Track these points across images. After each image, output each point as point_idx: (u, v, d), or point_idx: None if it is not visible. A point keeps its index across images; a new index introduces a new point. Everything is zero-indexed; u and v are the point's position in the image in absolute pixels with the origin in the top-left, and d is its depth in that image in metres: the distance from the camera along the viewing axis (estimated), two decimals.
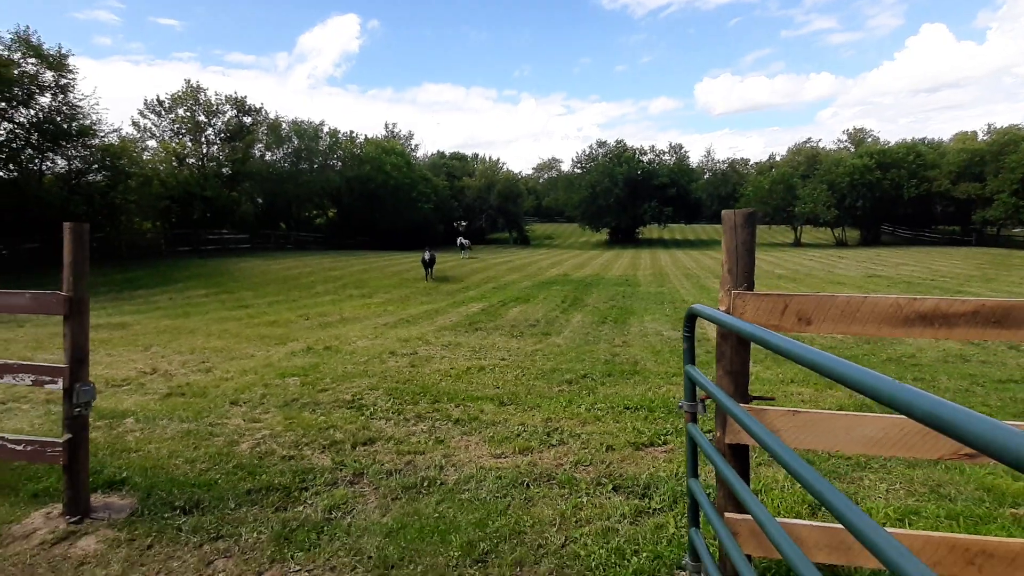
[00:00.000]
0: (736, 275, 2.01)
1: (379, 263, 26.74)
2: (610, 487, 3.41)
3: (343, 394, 5.55)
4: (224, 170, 37.94)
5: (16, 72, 23.16)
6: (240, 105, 39.66)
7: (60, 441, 2.97)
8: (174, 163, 36.03)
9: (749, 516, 1.87)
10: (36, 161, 25.56)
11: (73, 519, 2.96)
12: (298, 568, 2.64)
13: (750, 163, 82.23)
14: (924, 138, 60.32)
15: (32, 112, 24.73)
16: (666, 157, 62.83)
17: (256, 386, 5.77)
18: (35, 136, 24.69)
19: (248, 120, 40.26)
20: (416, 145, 69.28)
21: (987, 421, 0.70)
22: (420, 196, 49.52)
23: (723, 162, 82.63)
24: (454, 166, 67.82)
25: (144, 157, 33.27)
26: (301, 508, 3.22)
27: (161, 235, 30.40)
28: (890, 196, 48.04)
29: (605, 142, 62.03)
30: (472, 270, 23.83)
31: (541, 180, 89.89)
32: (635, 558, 2.59)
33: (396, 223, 46.87)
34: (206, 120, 38.12)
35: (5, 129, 24.25)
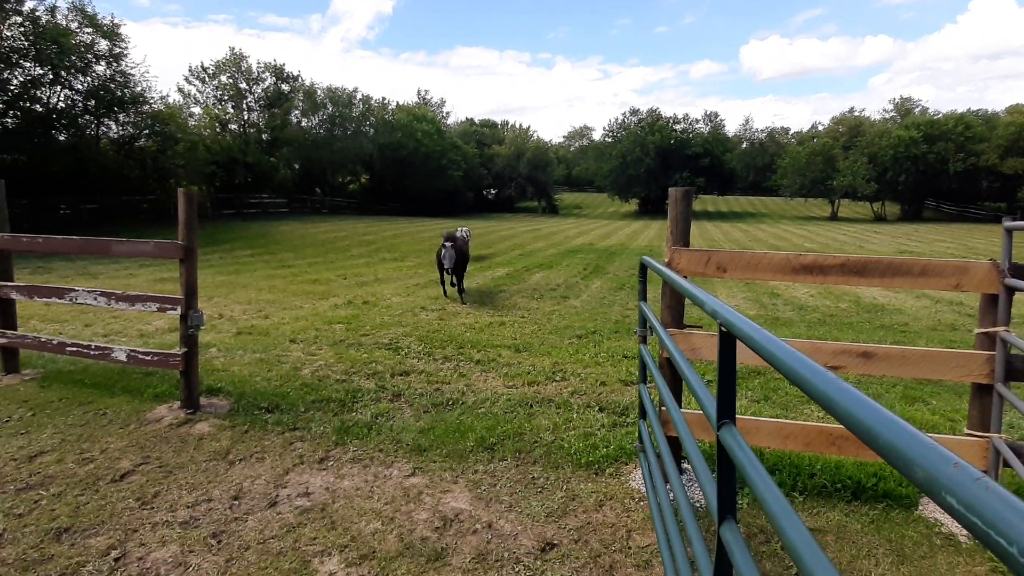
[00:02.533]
0: (676, 236, 2.76)
1: (410, 229, 27.75)
2: (596, 408, 4.26)
3: (382, 338, 6.50)
4: (264, 136, 39.29)
5: (74, 41, 24.53)
6: (279, 72, 40.65)
7: (179, 352, 3.97)
8: (217, 129, 37.52)
9: (675, 411, 2.66)
10: (93, 127, 27.20)
11: (189, 411, 3.98)
12: (355, 449, 3.58)
13: (790, 132, 79.33)
14: (978, 109, 57.00)
15: (89, 80, 26.23)
16: (700, 126, 61.40)
17: (309, 329, 6.79)
18: (92, 103, 26.23)
19: (286, 88, 41.29)
20: (447, 112, 69.50)
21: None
22: (450, 164, 50.13)
23: (762, 131, 79.90)
24: (484, 134, 67.82)
25: (190, 123, 34.75)
26: (354, 414, 4.17)
27: (207, 199, 32.03)
28: (935, 170, 46.15)
29: (638, 110, 60.96)
30: (499, 238, 24.60)
31: (572, 149, 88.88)
32: (604, 448, 3.44)
33: (426, 190, 47.80)
34: (247, 87, 39.31)
35: (65, 96, 25.88)
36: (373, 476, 3.23)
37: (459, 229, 11.16)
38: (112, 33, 26.04)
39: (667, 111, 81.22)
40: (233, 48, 39.17)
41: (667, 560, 2.08)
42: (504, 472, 3.27)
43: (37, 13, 24.38)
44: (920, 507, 2.88)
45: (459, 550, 2.52)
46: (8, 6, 23.44)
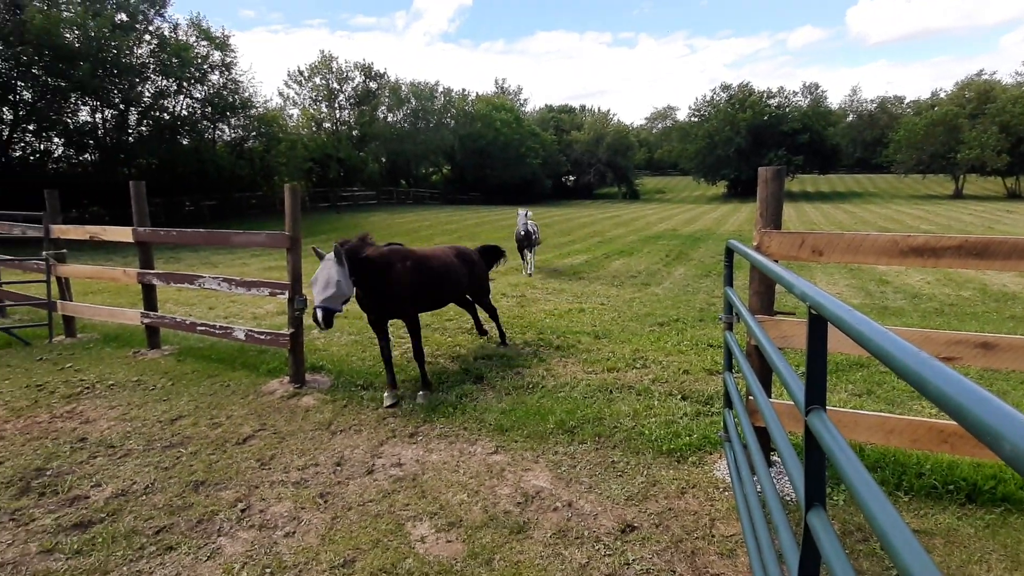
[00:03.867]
0: (766, 218, 2.64)
1: (491, 217, 28.26)
2: (679, 397, 4.18)
3: (464, 323, 6.75)
4: (354, 133, 41.61)
5: (193, 54, 27.32)
6: (367, 71, 42.74)
7: (287, 333, 4.40)
8: (313, 128, 40.27)
9: (762, 399, 2.57)
10: (210, 131, 30.23)
11: (296, 386, 4.42)
12: (442, 426, 3.80)
13: (905, 102, 70.85)
14: None
15: (205, 88, 29.14)
16: (799, 99, 56.68)
17: None
18: (208, 109, 29.14)
19: (373, 85, 43.34)
20: (525, 100, 69.50)
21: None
22: (528, 152, 50.24)
23: (871, 101, 72.06)
24: (562, 120, 67.11)
25: (289, 124, 37.58)
26: (440, 394, 4.40)
27: (305, 193, 34.57)
28: None
29: (729, 85, 57.31)
30: (578, 224, 24.39)
31: (654, 131, 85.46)
32: (687, 437, 3.38)
33: (505, 179, 48.32)
34: (338, 87, 41.77)
35: (187, 104, 28.95)
36: (459, 452, 3.42)
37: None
38: (223, 45, 28.68)
39: (761, 85, 75.64)
40: (323, 51, 41.60)
41: (752, 550, 2.04)
42: (584, 455, 3.33)
43: (163, 31, 27.43)
44: None
45: (540, 525, 2.62)
46: (140, 27, 26.55)
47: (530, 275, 10.88)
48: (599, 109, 68.89)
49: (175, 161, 25.94)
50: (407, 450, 3.44)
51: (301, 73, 41.11)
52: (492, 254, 5.91)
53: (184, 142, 28.25)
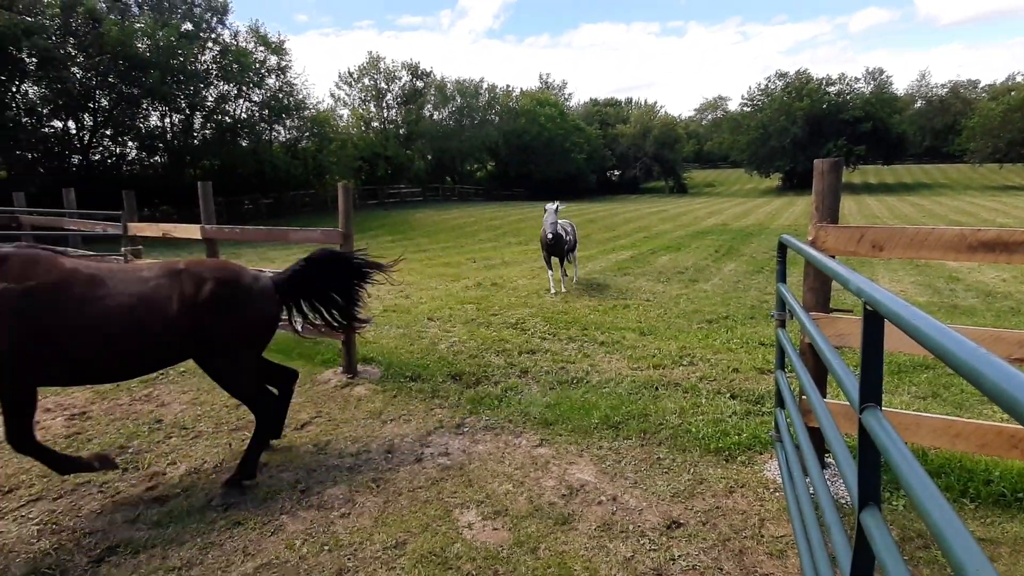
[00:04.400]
0: (822, 212, 2.55)
1: (534, 213, 28.26)
2: (728, 395, 4.09)
3: (509, 318, 6.83)
4: (401, 131, 42.55)
5: (252, 60, 28.66)
6: (414, 70, 43.57)
7: None
8: (362, 127, 41.44)
9: (816, 399, 2.50)
10: (267, 132, 31.66)
11: (349, 376, 4.61)
12: (487, 418, 3.88)
13: (980, 86, 65.66)
14: None
15: (262, 92, 30.53)
16: (860, 85, 53.57)
17: (443, 308, 7.36)
18: (265, 112, 30.52)
19: (420, 84, 44.15)
20: (569, 94, 68.96)
21: None
22: (573, 147, 49.87)
23: (942, 87, 67.27)
24: (608, 113, 66.16)
25: (340, 124, 38.82)
26: (485, 387, 4.49)
27: (354, 191, 35.65)
28: None
29: (785, 73, 54.90)
30: (623, 219, 24.05)
31: (704, 122, 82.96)
32: (736, 436, 3.33)
33: (549, 174, 48.16)
34: (386, 87, 42.80)
35: (245, 108, 30.43)
36: (504, 444, 3.49)
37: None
38: (279, 49, 29.93)
39: (819, 72, 71.91)
40: (371, 52, 42.70)
41: (804, 552, 2.01)
42: (628, 450, 3.33)
43: (224, 38, 28.90)
44: None
45: (585, 517, 2.65)
46: (204, 35, 28.06)
47: (561, 292, 8.34)
48: (645, 102, 67.44)
49: (235, 162, 27.34)
50: (454, 440, 3.55)
51: (351, 74, 42.38)
52: (327, 275, 3.31)
53: (243, 143, 29.74)
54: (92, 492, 2.86)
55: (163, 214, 26.40)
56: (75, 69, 23.53)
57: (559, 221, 8.20)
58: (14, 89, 22.55)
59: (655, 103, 66.98)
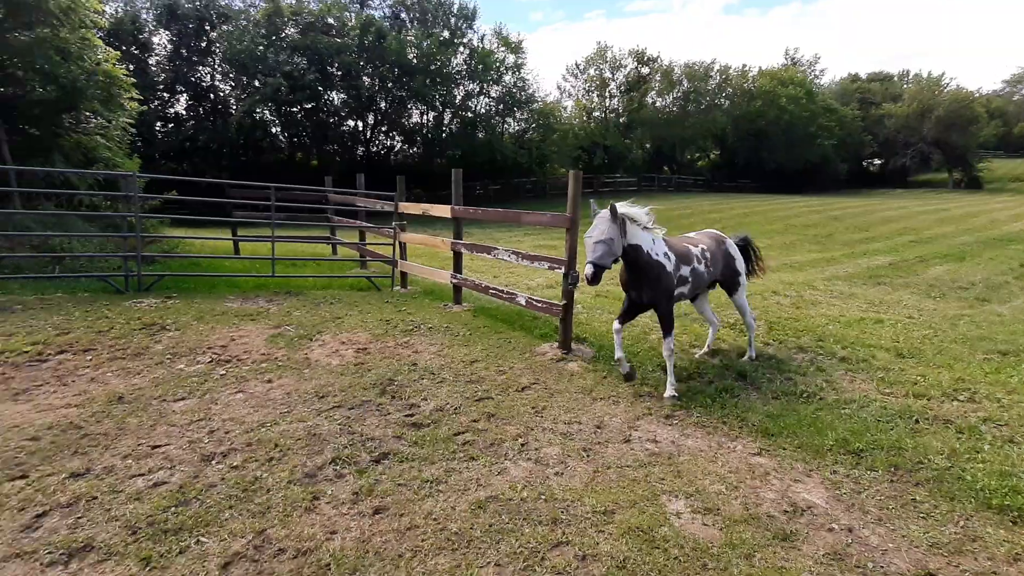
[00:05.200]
0: None
1: (761, 207, 25.46)
2: None
3: (727, 318, 6.39)
4: (621, 120, 42.41)
5: (493, 59, 31.73)
6: (639, 56, 42.83)
7: (560, 304, 4.93)
8: (584, 117, 42.52)
9: None
10: (500, 125, 34.84)
11: (564, 351, 4.93)
12: (699, 415, 3.76)
13: None
14: None
15: (499, 88, 33.59)
16: None
17: None
18: (500, 107, 33.56)
19: (645, 70, 43.23)
20: (821, 71, 59.56)
21: None
22: (820, 131, 43.18)
23: None
24: (870, 90, 55.16)
25: (563, 115, 40.52)
26: (698, 383, 4.34)
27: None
28: None
29: None
30: (882, 218, 20.02)
31: (1016, 98, 63.17)
32: None
33: (785, 163, 42.68)
34: (610, 75, 43.03)
35: (484, 104, 33.92)
36: (716, 444, 3.35)
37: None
38: (517, 48, 32.48)
39: None
40: (600, 41, 43.31)
41: None
42: (873, 483, 2.88)
43: (472, 42, 32.54)
44: None
45: (811, 540, 2.41)
46: (457, 41, 32.01)
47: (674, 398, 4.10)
48: (929, 74, 53.94)
49: (474, 152, 30.83)
50: (662, 430, 3.53)
51: (577, 66, 43.70)
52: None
53: (480, 135, 33.27)
54: (372, 410, 3.67)
55: (415, 196, 31.37)
56: (364, 78, 29.28)
57: (655, 236, 4.20)
58: (326, 96, 29.13)
59: (941, 74, 53.20)
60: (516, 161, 32.40)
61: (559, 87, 45.06)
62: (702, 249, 4.56)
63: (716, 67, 45.26)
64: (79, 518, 2.42)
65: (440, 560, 2.23)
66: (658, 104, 44.70)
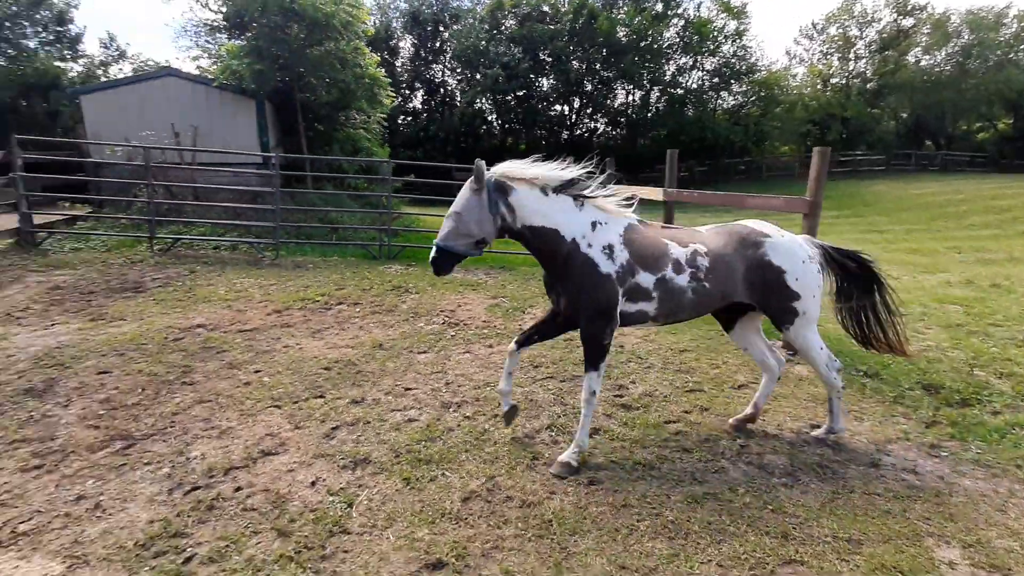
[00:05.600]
0: None
1: None
2: None
3: (1018, 333, 4.97)
4: (868, 86, 35.44)
5: (710, 28, 29.26)
6: (900, 7, 34.96)
7: None
8: (819, 86, 36.67)
9: None
10: (713, 100, 32.19)
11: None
12: (978, 451, 3.04)
13: None
14: None
15: (715, 59, 30.93)
16: None
17: (912, 303, 5.98)
18: (716, 80, 30.93)
19: (908, 23, 35.17)
20: None
21: None
22: None
23: None
24: None
25: (791, 84, 35.50)
26: (977, 411, 3.48)
27: (796, 158, 32.41)
28: None
29: None
30: None
31: None
32: None
33: None
34: (858, 33, 36.08)
35: (697, 78, 31.63)
36: (1007, 491, 2.66)
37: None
38: (740, 13, 29.33)
39: None
40: None
41: None
42: None
43: (687, 11, 30.40)
44: None
45: None
46: (671, 12, 30.24)
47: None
48: None
49: (681, 131, 29.16)
50: (925, 461, 2.94)
51: (814, 26, 37.61)
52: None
53: (689, 113, 31.24)
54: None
55: (617, 179, 31.09)
56: (573, 62, 29.75)
57: (602, 218, 2.93)
58: (537, 83, 30.47)
59: None
60: (728, 139, 29.65)
61: (789, 52, 39.52)
62: (694, 251, 2.85)
63: (1013, 12, 34.47)
64: (360, 436, 3.04)
65: (658, 545, 2.22)
66: (923, 63, 36.05)
